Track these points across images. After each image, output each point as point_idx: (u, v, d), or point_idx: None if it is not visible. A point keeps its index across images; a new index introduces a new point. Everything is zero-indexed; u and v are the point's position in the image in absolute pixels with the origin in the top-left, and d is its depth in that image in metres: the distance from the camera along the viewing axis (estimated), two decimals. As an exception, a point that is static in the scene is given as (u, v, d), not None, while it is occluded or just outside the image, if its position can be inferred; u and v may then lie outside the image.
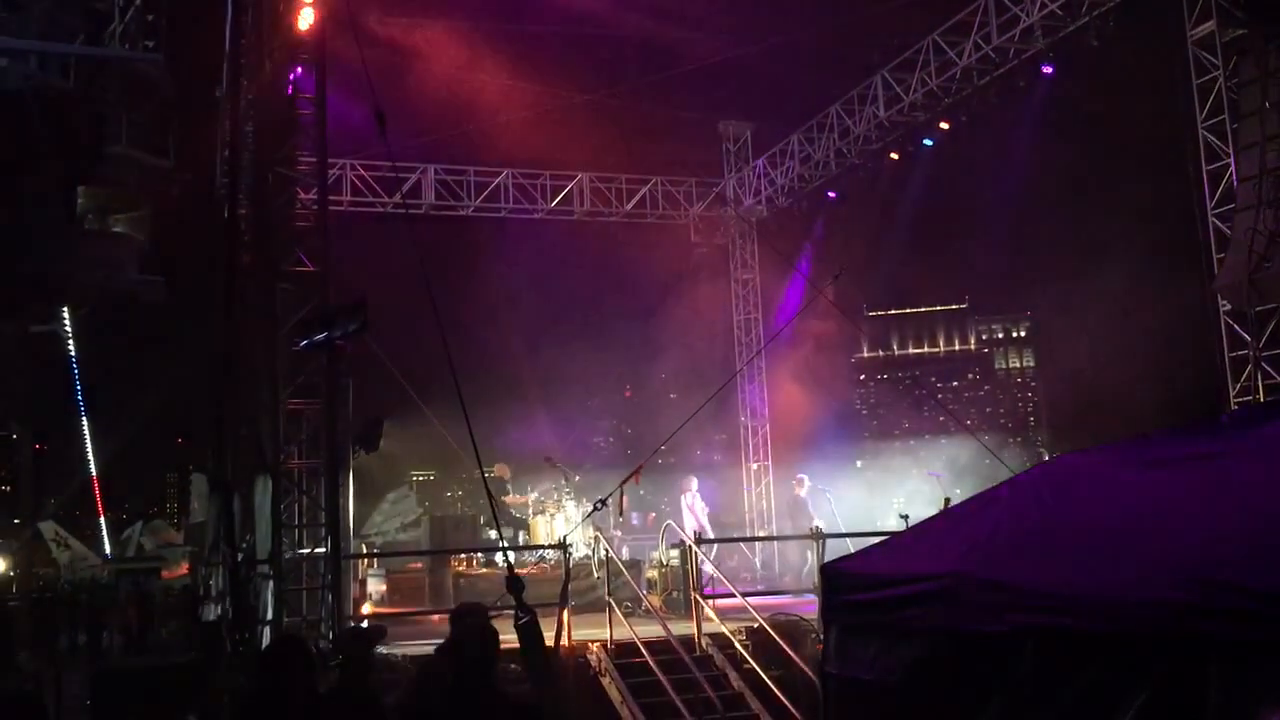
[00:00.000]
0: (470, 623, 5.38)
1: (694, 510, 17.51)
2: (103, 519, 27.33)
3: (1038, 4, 15.59)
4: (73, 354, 22.80)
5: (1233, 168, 13.35)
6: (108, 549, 24.68)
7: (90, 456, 26.51)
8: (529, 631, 6.35)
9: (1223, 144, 13.58)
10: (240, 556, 10.35)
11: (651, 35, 20.21)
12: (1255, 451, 3.95)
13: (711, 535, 17.06)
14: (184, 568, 18.84)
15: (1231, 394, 13.47)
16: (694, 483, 18.21)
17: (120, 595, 15.88)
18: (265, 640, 10.29)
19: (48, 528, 24.40)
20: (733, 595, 11.60)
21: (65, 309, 20.37)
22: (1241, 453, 3.98)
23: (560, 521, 17.86)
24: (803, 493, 17.47)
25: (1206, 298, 13.99)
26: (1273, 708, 2.89)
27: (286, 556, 11.25)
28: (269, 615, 10.75)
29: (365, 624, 12.50)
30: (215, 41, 13.10)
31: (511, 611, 6.84)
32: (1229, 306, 13.66)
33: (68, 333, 21.68)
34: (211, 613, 12.49)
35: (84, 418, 25.98)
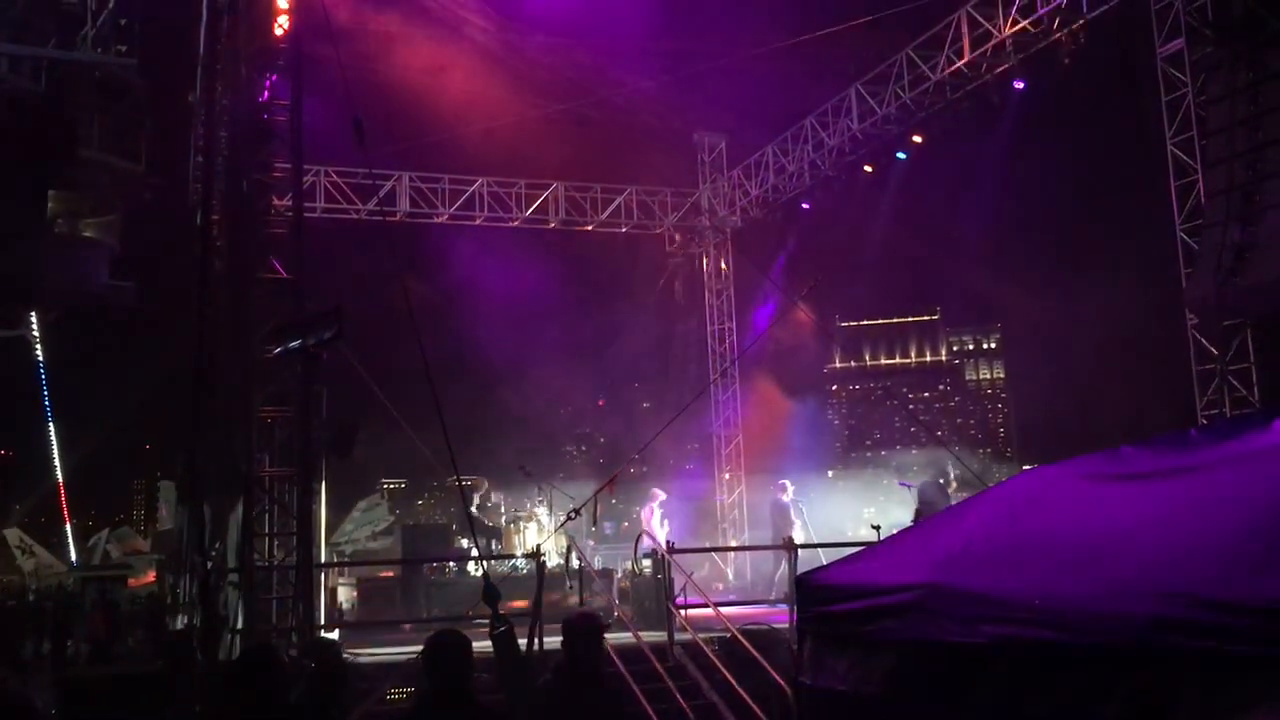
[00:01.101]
0: (444, 635, 5.36)
1: (650, 524, 17.29)
2: (69, 526, 27.03)
3: (1010, 20, 15.77)
4: (40, 359, 22.58)
5: (1200, 184, 13.52)
6: (74, 556, 24.39)
7: (57, 462, 26.22)
8: (504, 642, 6.34)
9: (1191, 160, 13.75)
10: (210, 565, 10.28)
11: (626, 46, 20.25)
12: (1224, 465, 4.00)
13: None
14: (151, 576, 18.65)
15: (1199, 408, 13.62)
16: (660, 496, 18.07)
17: (86, 603, 15.68)
18: (235, 650, 10.21)
19: (13, 534, 24.08)
20: (705, 605, 11.63)
21: (33, 313, 20.18)
22: (1211, 467, 4.03)
23: (533, 530, 17.83)
24: (787, 498, 17.51)
25: (1175, 312, 14.15)
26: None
27: (258, 565, 11.16)
28: (239, 624, 10.66)
29: (336, 633, 12.45)
30: (189, 46, 13.05)
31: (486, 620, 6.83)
32: (1196, 321, 13.82)
33: (35, 337, 21.48)
34: (180, 621, 12.40)
35: (51, 423, 25.72)
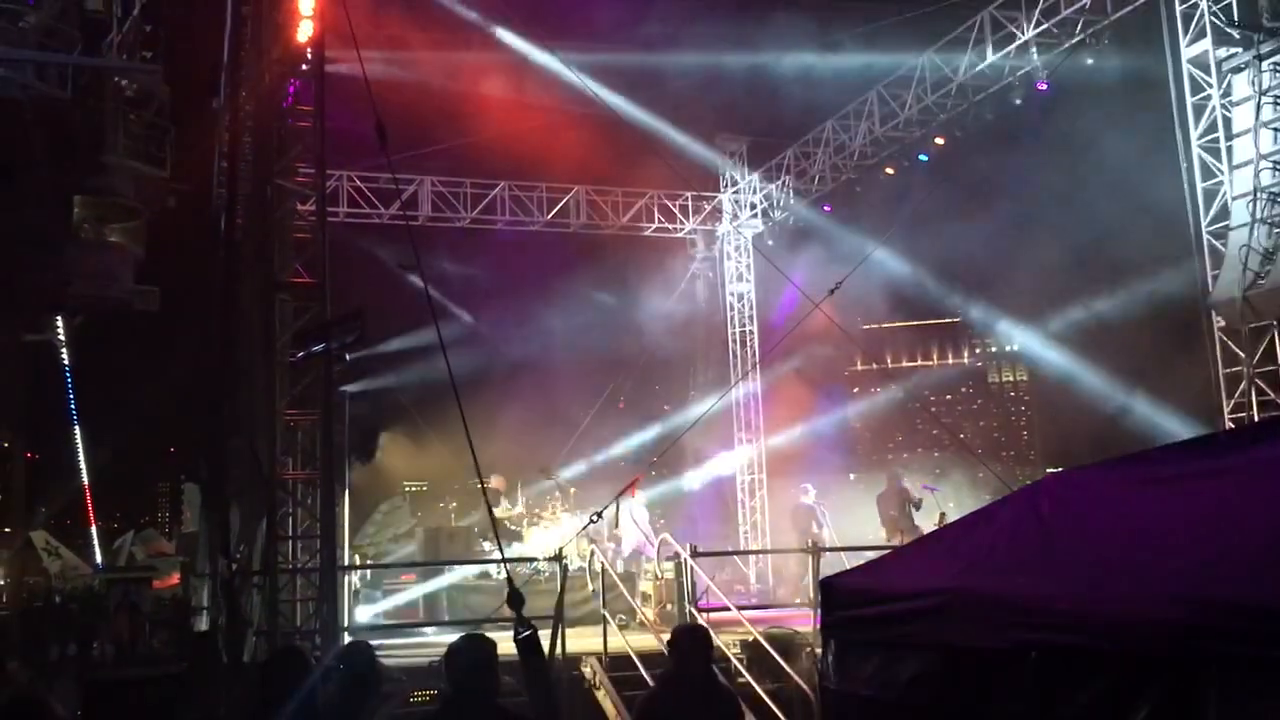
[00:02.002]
0: (467, 639, 5.38)
1: (635, 520, 17.13)
2: (94, 528, 27.25)
3: (1033, 22, 15.72)
4: (66, 363, 22.78)
5: (1226, 185, 13.41)
6: (99, 558, 24.58)
7: (82, 465, 26.45)
8: (529, 646, 6.33)
9: (1216, 161, 13.64)
10: (235, 567, 10.34)
11: (649, 49, 20.27)
12: (1252, 470, 3.97)
13: (651, 550, 16.47)
14: (175, 578, 18.77)
15: (1225, 411, 13.50)
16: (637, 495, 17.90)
17: (111, 605, 15.81)
18: (259, 652, 10.25)
19: (39, 536, 24.29)
20: (727, 608, 11.61)
21: (59, 318, 20.36)
22: (1238, 471, 3.99)
23: (555, 533, 17.80)
24: (809, 500, 17.43)
25: (1200, 314, 14.03)
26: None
27: (281, 568, 11.21)
28: (264, 626, 10.71)
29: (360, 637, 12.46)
30: (214, 52, 13.13)
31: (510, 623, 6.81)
32: (1223, 323, 13.70)
33: (61, 341, 21.67)
34: (204, 623, 12.47)
35: (76, 426, 25.94)
